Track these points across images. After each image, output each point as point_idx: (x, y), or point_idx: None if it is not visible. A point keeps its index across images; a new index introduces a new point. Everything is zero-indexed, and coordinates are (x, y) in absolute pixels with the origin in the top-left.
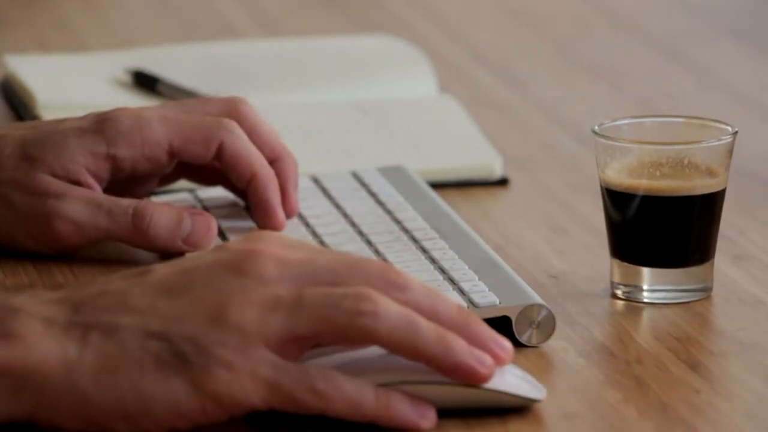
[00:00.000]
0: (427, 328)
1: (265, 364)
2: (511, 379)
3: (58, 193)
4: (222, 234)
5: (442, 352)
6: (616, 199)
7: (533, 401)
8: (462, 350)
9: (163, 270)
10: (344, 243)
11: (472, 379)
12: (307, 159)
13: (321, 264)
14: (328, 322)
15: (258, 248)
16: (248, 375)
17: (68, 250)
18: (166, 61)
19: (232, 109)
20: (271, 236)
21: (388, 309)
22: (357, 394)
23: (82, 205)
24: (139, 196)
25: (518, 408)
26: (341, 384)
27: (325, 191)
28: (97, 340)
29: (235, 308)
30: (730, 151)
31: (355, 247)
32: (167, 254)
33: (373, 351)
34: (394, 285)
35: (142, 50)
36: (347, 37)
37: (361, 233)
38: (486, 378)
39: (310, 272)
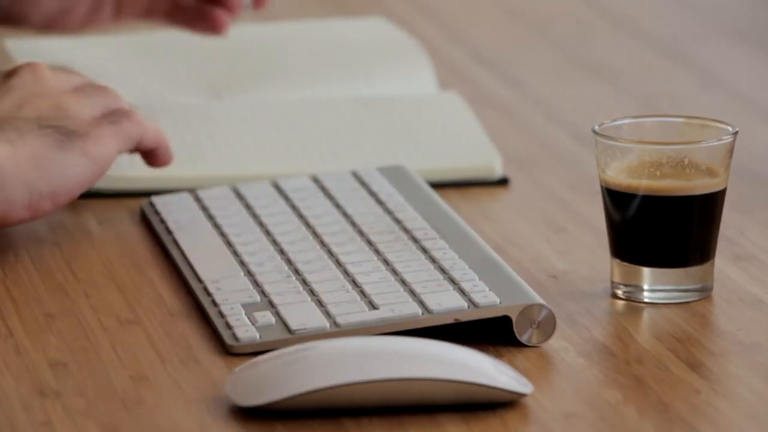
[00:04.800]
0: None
1: (104, 126)
2: (501, 377)
3: None
4: (222, 233)
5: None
6: (616, 199)
7: (522, 395)
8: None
9: None
10: (344, 243)
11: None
12: (308, 157)
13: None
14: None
15: (26, 66)
16: (104, 136)
17: None
18: (166, 48)
19: None
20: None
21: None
22: (150, 122)
23: None
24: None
25: (511, 403)
26: (142, 118)
27: (325, 191)
28: (15, 136)
29: (67, 101)
30: (731, 151)
31: (355, 247)
32: None
33: (373, 348)
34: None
35: (141, 35)
36: (340, 20)
37: (361, 233)
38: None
39: (65, 78)
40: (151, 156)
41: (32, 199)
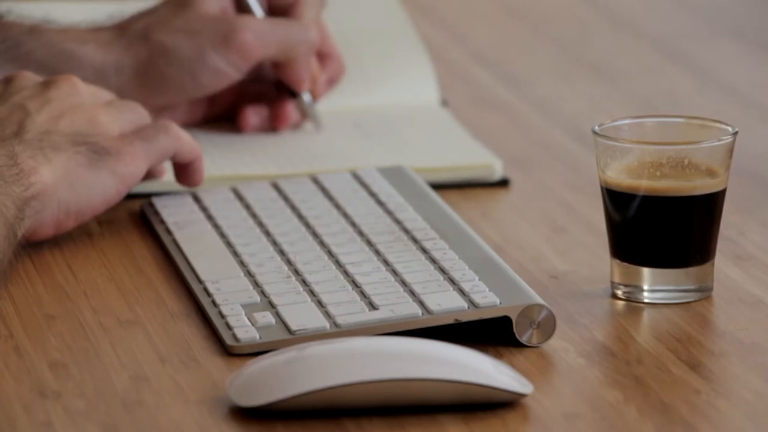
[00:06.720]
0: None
1: (137, 144)
2: (501, 377)
3: (233, 16)
4: (222, 234)
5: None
6: (616, 199)
7: (522, 395)
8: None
9: (36, 108)
10: (344, 243)
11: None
12: (307, 162)
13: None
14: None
15: (64, 77)
16: (135, 155)
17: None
18: None
19: None
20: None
21: None
22: (187, 136)
23: (257, 19)
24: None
25: (511, 403)
26: (179, 132)
27: (325, 192)
28: (53, 155)
29: (101, 116)
30: (731, 151)
31: (355, 248)
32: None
33: (373, 348)
34: None
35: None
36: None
37: (361, 233)
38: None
39: (98, 92)
40: (184, 171)
41: (60, 217)
